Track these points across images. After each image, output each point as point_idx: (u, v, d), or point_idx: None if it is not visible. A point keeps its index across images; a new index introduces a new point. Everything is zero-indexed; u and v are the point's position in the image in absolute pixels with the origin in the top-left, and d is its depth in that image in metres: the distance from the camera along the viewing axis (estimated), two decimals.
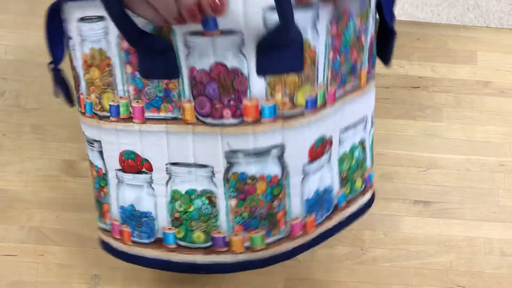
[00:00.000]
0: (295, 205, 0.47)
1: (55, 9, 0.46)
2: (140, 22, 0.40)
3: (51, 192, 0.65)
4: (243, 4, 0.39)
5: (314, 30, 0.42)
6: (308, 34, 0.41)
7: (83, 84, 0.47)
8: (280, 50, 0.41)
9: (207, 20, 0.39)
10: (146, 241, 0.48)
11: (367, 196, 0.54)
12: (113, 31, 0.42)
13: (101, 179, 0.49)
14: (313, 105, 0.44)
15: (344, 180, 0.50)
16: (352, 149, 0.50)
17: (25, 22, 0.71)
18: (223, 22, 0.40)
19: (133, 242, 0.48)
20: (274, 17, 0.39)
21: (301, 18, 0.40)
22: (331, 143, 0.47)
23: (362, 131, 0.51)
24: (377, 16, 0.51)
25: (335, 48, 0.44)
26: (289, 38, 0.40)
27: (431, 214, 0.66)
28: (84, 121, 0.48)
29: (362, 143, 0.51)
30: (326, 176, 0.48)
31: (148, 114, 0.44)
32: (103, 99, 0.45)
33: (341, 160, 0.49)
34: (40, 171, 0.65)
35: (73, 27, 0.45)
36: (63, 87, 0.50)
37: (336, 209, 0.50)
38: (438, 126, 0.70)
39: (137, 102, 0.44)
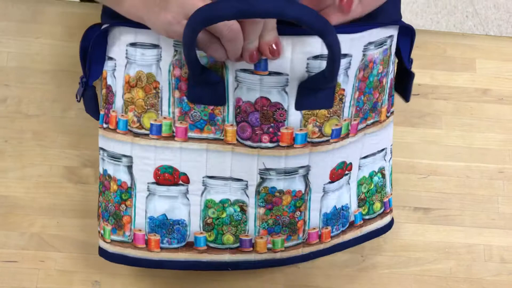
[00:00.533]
0: (314, 217, 0.54)
1: (103, 32, 0.51)
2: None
3: (52, 199, 0.65)
4: (291, 52, 0.47)
5: (346, 75, 0.50)
6: (340, 78, 0.50)
7: (119, 103, 0.51)
8: (317, 92, 0.49)
9: (260, 62, 0.48)
10: (176, 246, 0.53)
11: (386, 219, 0.60)
12: (166, 59, 0.49)
13: (124, 192, 0.53)
14: (337, 135, 0.52)
15: (362, 202, 0.57)
16: (371, 175, 0.57)
17: (27, 29, 0.71)
18: (272, 65, 0.48)
19: (162, 248, 0.53)
20: (315, 64, 0.48)
21: None
22: (351, 168, 0.55)
23: (381, 160, 0.58)
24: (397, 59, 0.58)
25: (360, 89, 0.52)
26: (324, 82, 0.48)
27: (431, 221, 0.67)
28: (112, 137, 0.52)
29: (381, 170, 0.58)
30: (345, 196, 0.56)
31: (190, 134, 0.50)
32: (143, 118, 0.50)
33: (359, 184, 0.57)
34: (41, 178, 0.65)
35: (119, 50, 0.51)
36: (94, 102, 0.55)
37: (352, 225, 0.57)
38: (438, 133, 0.70)
39: (181, 123, 0.50)
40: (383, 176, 0.59)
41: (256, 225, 0.54)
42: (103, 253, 0.55)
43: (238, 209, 0.53)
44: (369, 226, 0.59)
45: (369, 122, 0.55)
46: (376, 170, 0.58)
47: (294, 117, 0.50)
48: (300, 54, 0.47)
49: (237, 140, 0.51)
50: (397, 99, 0.72)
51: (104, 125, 0.53)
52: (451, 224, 0.67)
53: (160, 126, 0.50)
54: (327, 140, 0.52)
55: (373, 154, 0.58)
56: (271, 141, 0.50)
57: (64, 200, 0.65)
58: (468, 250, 0.66)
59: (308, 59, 0.48)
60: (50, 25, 0.71)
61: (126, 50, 0.50)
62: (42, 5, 0.72)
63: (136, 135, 0.51)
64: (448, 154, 0.69)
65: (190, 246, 0.53)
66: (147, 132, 0.50)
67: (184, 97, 0.50)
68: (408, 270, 0.64)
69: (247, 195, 0.53)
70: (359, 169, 0.57)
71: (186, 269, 0.54)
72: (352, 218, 0.57)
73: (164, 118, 0.50)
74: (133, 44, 0.50)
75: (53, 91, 0.69)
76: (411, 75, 0.58)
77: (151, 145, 0.51)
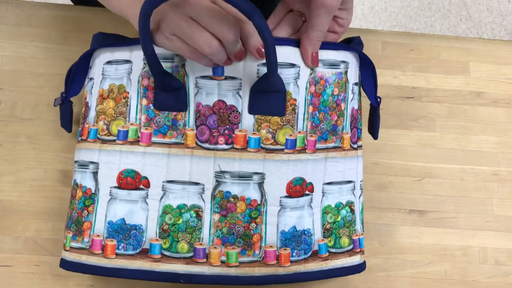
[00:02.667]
0: (271, 233, 0.54)
1: (88, 55, 0.57)
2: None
3: (47, 202, 0.65)
4: (244, 59, 0.52)
5: (296, 85, 0.54)
6: (290, 87, 0.54)
7: (92, 114, 0.56)
8: (267, 95, 0.53)
9: (217, 68, 0.53)
10: (131, 252, 0.54)
11: (356, 259, 0.58)
12: (136, 71, 0.55)
13: (88, 199, 0.55)
14: (292, 146, 0.54)
15: (328, 232, 0.56)
16: (338, 206, 0.57)
17: (22, 32, 0.71)
18: (228, 70, 0.53)
19: (117, 254, 0.54)
20: (265, 70, 0.52)
21: (286, 74, 0.53)
22: (311, 189, 0.55)
23: (349, 194, 0.58)
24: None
25: (314, 104, 0.55)
26: (273, 85, 0.52)
27: (426, 223, 0.67)
28: (83, 147, 0.56)
29: (350, 205, 0.58)
30: (306, 220, 0.55)
31: (154, 139, 0.54)
32: (112, 125, 0.54)
33: (324, 212, 0.56)
34: (36, 181, 0.65)
35: (98, 70, 0.57)
36: (69, 116, 0.60)
37: (316, 256, 0.56)
38: (432, 136, 0.71)
39: (146, 128, 0.54)
40: (352, 211, 0.58)
41: (210, 233, 0.54)
42: (62, 263, 0.56)
43: (194, 215, 0.54)
44: (336, 261, 0.57)
45: (330, 145, 0.56)
46: (344, 203, 0.58)
47: (248, 120, 0.53)
48: (252, 61, 0.53)
49: (196, 143, 0.54)
50: (391, 101, 0.72)
51: (79, 138, 0.58)
52: (446, 226, 0.67)
53: (127, 131, 0.54)
54: (282, 149, 0.54)
55: (339, 184, 0.57)
56: (226, 143, 0.53)
57: (58, 204, 0.65)
58: (463, 253, 0.66)
59: (258, 65, 0.53)
60: (44, 29, 0.71)
61: (103, 68, 0.56)
62: (36, 9, 0.72)
63: (104, 141, 0.55)
64: (442, 157, 0.70)
65: (144, 253, 0.54)
66: (114, 138, 0.54)
67: (151, 105, 0.54)
68: (404, 273, 0.64)
69: (203, 200, 0.54)
70: (323, 195, 0.56)
71: (139, 279, 0.54)
72: (315, 247, 0.56)
73: (131, 124, 0.54)
74: (109, 62, 0.56)
75: (48, 94, 0.68)
76: (376, 112, 0.61)
77: (117, 150, 0.54)
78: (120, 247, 0.54)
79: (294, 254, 0.54)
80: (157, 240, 0.54)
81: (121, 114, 0.54)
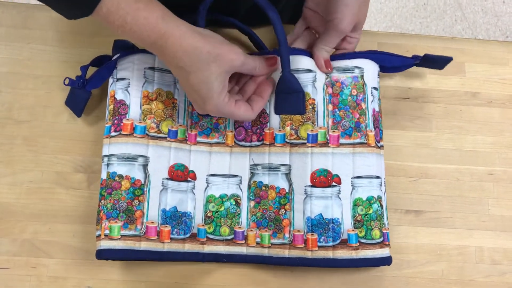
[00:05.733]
0: (298, 219, 0.61)
1: (122, 57, 0.63)
2: None
3: (44, 204, 0.64)
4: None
5: (314, 87, 0.63)
6: (309, 89, 0.63)
7: (135, 112, 0.62)
8: (288, 96, 0.62)
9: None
10: (183, 236, 0.61)
11: (386, 251, 0.61)
12: None
13: (137, 189, 0.60)
14: (314, 140, 0.62)
15: (359, 223, 0.61)
16: (370, 199, 0.61)
17: (18, 34, 0.71)
18: None
19: (171, 239, 0.60)
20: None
21: (304, 78, 0.63)
22: (339, 181, 0.61)
23: (378, 189, 0.62)
24: None
25: (333, 103, 0.63)
26: (290, 83, 0.61)
27: (422, 223, 0.67)
28: (126, 141, 0.61)
29: (379, 200, 0.62)
30: (335, 209, 0.61)
31: (199, 139, 0.64)
32: (162, 125, 0.62)
33: (354, 204, 0.61)
34: (33, 183, 0.65)
35: (135, 72, 0.63)
36: (84, 103, 0.65)
37: (346, 244, 0.60)
38: (428, 136, 0.71)
39: (192, 130, 0.64)
40: (381, 206, 0.62)
41: (247, 218, 0.62)
42: (106, 253, 0.57)
43: (234, 203, 0.63)
44: (367, 252, 0.60)
45: (355, 141, 0.62)
46: (375, 197, 0.61)
47: (274, 120, 0.63)
48: (275, 72, 0.63)
49: (234, 142, 0.64)
50: (387, 101, 0.72)
51: (113, 133, 0.61)
52: (442, 226, 0.67)
53: (176, 131, 0.63)
54: (304, 143, 0.61)
55: (369, 178, 0.61)
56: (258, 140, 0.63)
57: (56, 205, 0.64)
58: (459, 252, 0.66)
59: (280, 73, 0.61)
60: (41, 31, 0.71)
61: (145, 71, 0.63)
62: (32, 11, 0.72)
63: (154, 138, 0.61)
64: (438, 157, 0.70)
65: (193, 237, 0.61)
66: (165, 136, 0.62)
67: (195, 111, 0.64)
68: (401, 273, 0.65)
69: (241, 189, 0.63)
70: (353, 188, 0.61)
71: (190, 260, 0.61)
72: (345, 236, 0.60)
73: (180, 125, 0.63)
74: (151, 68, 0.63)
75: (45, 96, 0.68)
76: (424, 57, 0.67)
77: (167, 146, 0.62)
78: (174, 232, 0.60)
79: (321, 240, 0.60)
80: (203, 225, 0.62)
81: (170, 116, 0.62)
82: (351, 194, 0.61)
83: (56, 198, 0.65)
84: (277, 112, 0.63)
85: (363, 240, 0.60)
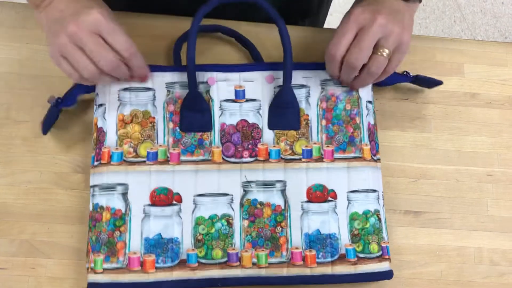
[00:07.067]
0: (296, 236, 0.60)
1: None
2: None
3: (42, 205, 0.64)
4: (261, 84, 0.63)
5: (307, 102, 0.63)
6: (303, 105, 0.63)
7: (112, 139, 0.60)
8: (283, 111, 0.62)
9: (239, 92, 0.63)
10: (170, 264, 0.58)
11: (385, 265, 0.61)
12: (160, 98, 0.62)
13: (118, 219, 0.58)
14: (309, 156, 0.61)
15: (356, 238, 0.61)
16: (366, 213, 0.61)
17: (17, 34, 0.71)
18: (248, 94, 0.63)
19: (157, 268, 0.58)
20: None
21: (298, 93, 0.63)
22: (334, 195, 0.61)
23: (375, 203, 0.62)
24: None
25: (327, 118, 0.63)
26: (287, 97, 0.61)
27: (422, 224, 0.67)
28: (104, 170, 0.59)
29: (377, 213, 0.62)
30: (332, 224, 0.60)
31: (183, 158, 0.60)
32: (139, 148, 0.60)
33: (351, 218, 0.61)
34: (31, 184, 0.65)
35: (111, 96, 0.61)
36: (52, 120, 0.64)
37: (344, 259, 0.60)
38: (427, 137, 0.71)
39: (174, 149, 0.60)
40: (379, 219, 0.62)
41: (241, 238, 0.59)
42: (93, 287, 0.57)
43: (225, 223, 0.60)
44: (365, 266, 0.60)
45: (349, 155, 0.62)
46: (372, 211, 0.61)
47: (268, 135, 0.62)
48: (269, 84, 0.63)
49: (222, 158, 0.61)
50: (387, 102, 0.72)
51: (95, 163, 0.60)
52: (442, 227, 0.67)
53: (156, 153, 0.60)
54: (299, 159, 0.61)
55: (365, 192, 0.62)
56: (250, 156, 0.61)
57: (54, 206, 0.64)
58: (458, 253, 0.66)
59: (274, 88, 0.63)
60: (39, 31, 0.71)
61: (118, 94, 0.61)
62: (31, 11, 0.71)
63: (131, 163, 0.59)
64: (437, 158, 0.70)
65: (183, 264, 0.58)
66: (144, 159, 0.60)
67: (177, 128, 0.61)
68: (400, 273, 0.65)
69: (232, 209, 0.60)
70: (348, 202, 0.61)
71: None
72: (343, 251, 0.60)
73: (160, 146, 0.60)
74: (126, 89, 0.62)
75: (43, 96, 0.68)
76: (416, 77, 0.69)
77: (147, 170, 0.59)
78: (159, 261, 0.58)
79: (320, 256, 0.59)
80: (193, 250, 0.59)
81: (149, 137, 0.60)
82: (347, 208, 0.61)
83: (54, 199, 0.65)
84: (271, 127, 0.62)
85: (361, 255, 0.60)
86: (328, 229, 0.60)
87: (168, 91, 0.62)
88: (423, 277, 0.65)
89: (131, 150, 0.60)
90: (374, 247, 0.60)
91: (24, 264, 0.62)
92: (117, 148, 0.60)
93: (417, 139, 0.71)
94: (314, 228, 0.60)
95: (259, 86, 0.63)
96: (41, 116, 0.67)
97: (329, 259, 0.59)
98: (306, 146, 0.61)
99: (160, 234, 0.58)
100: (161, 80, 0.62)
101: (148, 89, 0.62)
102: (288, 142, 0.61)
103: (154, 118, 0.61)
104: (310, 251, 0.59)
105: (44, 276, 0.62)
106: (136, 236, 0.58)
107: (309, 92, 0.63)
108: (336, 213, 0.61)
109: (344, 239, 0.60)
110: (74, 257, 0.63)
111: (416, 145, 0.70)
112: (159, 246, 0.58)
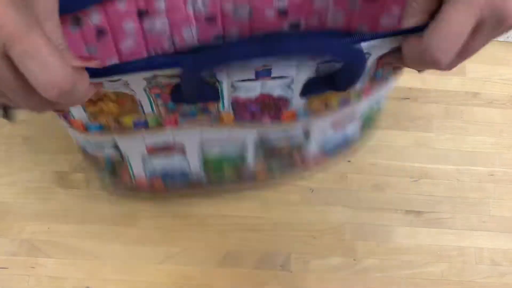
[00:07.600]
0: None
1: None
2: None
3: (43, 204, 0.64)
4: (297, 61, 0.40)
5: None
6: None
7: (81, 113, 0.43)
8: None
9: (262, 71, 0.40)
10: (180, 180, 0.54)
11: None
12: (135, 83, 0.39)
13: (115, 161, 0.52)
14: (346, 104, 0.48)
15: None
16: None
17: None
18: (276, 72, 0.40)
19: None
20: (324, 67, 0.40)
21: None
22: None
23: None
24: None
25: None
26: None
27: (423, 224, 0.67)
28: (84, 138, 0.48)
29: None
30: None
31: (182, 122, 0.45)
32: (123, 119, 0.44)
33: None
34: (32, 183, 0.65)
35: None
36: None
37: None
38: (428, 136, 0.71)
39: (169, 116, 0.44)
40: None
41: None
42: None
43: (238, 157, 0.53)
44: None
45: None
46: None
47: (298, 102, 0.45)
48: (308, 60, 0.41)
49: (234, 122, 0.46)
50: (387, 101, 0.72)
51: (74, 129, 0.47)
52: (443, 227, 0.67)
53: (146, 121, 0.45)
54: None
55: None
56: (271, 121, 0.47)
57: (55, 205, 0.64)
58: (459, 253, 0.66)
59: (318, 64, 0.41)
60: None
61: None
62: None
63: (118, 130, 0.46)
64: (439, 157, 0.70)
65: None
66: (130, 127, 0.45)
67: (170, 102, 0.42)
68: (401, 273, 0.64)
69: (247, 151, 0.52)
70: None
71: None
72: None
73: (148, 115, 0.44)
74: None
75: None
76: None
77: (139, 135, 0.47)
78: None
79: None
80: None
81: (130, 111, 0.43)
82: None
83: (55, 198, 0.64)
84: (305, 96, 0.44)
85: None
86: None
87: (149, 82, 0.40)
88: (424, 277, 0.65)
89: (112, 121, 0.44)
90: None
91: (25, 264, 0.62)
92: (91, 121, 0.44)
93: (419, 138, 0.71)
94: None
95: (294, 63, 0.41)
96: (42, 116, 0.67)
97: None
98: (343, 97, 0.46)
99: (164, 167, 0.53)
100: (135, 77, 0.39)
101: (117, 80, 0.39)
102: (323, 101, 0.46)
103: (134, 97, 0.41)
104: None
105: (45, 275, 0.62)
106: (138, 169, 0.53)
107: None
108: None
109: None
110: (75, 256, 0.63)
111: (417, 145, 0.70)
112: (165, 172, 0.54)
